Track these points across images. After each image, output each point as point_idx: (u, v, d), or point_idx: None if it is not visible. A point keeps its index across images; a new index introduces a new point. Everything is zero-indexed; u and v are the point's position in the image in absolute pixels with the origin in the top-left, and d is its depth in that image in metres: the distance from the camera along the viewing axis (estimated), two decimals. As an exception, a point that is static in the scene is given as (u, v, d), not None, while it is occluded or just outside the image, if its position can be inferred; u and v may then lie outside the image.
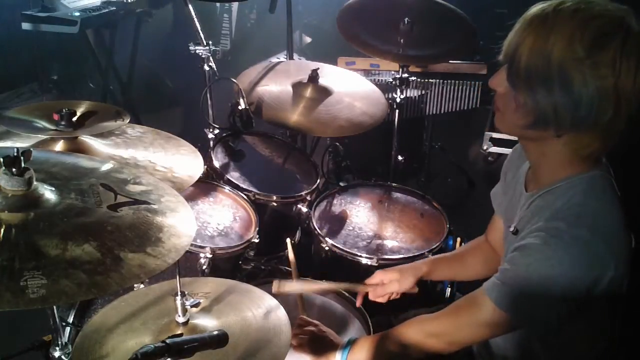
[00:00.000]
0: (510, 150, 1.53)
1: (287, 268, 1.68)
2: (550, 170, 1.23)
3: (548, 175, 1.24)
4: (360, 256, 1.89)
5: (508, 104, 1.20)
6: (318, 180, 2.25)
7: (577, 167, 1.20)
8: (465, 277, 1.72)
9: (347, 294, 1.70)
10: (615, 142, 1.17)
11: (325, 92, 2.32)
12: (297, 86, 2.33)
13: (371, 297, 1.66)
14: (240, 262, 1.97)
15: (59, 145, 1.56)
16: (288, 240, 1.70)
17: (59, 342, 1.35)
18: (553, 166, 1.23)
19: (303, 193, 2.14)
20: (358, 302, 1.66)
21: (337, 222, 2.11)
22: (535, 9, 1.14)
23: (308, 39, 4.61)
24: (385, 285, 1.64)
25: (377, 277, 1.65)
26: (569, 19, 1.09)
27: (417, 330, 1.36)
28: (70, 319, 1.72)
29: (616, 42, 1.07)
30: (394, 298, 1.67)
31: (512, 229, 1.32)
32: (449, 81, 3.21)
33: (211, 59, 2.29)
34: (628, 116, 1.11)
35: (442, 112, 3.28)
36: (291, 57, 3.17)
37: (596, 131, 1.14)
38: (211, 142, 2.30)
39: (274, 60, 3.32)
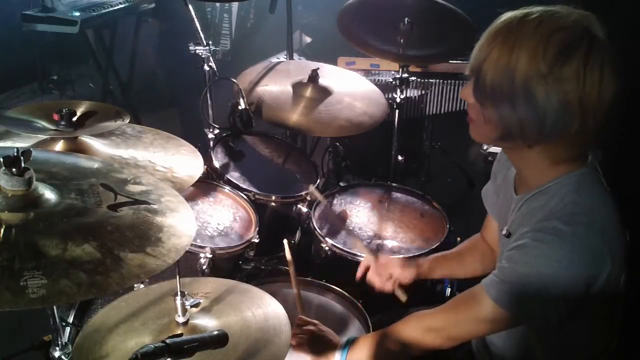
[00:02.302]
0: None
1: (286, 268, 1.69)
2: (536, 174, 1.24)
3: (535, 179, 1.25)
4: (360, 256, 1.89)
5: (477, 117, 1.22)
6: (318, 180, 2.25)
7: (561, 168, 1.21)
8: (463, 275, 1.74)
9: (347, 294, 1.70)
10: (589, 149, 1.19)
11: (325, 92, 2.31)
12: (297, 86, 2.33)
13: (370, 273, 1.70)
14: (240, 262, 1.98)
15: (59, 145, 1.56)
16: (285, 241, 1.71)
17: (59, 342, 1.35)
18: (537, 171, 1.24)
19: (303, 193, 2.14)
20: (358, 274, 1.72)
21: (337, 222, 2.11)
22: (500, 21, 1.15)
23: (308, 39, 4.60)
24: (388, 266, 1.68)
25: (383, 258, 1.72)
26: (532, 33, 1.10)
27: (415, 326, 1.37)
28: (70, 319, 1.72)
29: (579, 55, 1.07)
30: (387, 290, 1.69)
31: (504, 232, 1.33)
32: (449, 81, 3.20)
33: (211, 59, 2.28)
34: (596, 126, 1.12)
35: (442, 112, 3.28)
36: (291, 57, 3.16)
37: (566, 141, 1.15)
38: (211, 142, 2.30)
39: (274, 60, 3.32)
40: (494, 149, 3.90)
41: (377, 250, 1.99)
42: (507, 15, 1.15)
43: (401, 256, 1.92)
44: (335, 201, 2.21)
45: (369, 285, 1.72)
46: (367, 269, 1.72)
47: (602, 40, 1.10)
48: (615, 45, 1.11)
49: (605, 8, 1.15)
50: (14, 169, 1.03)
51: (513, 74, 1.10)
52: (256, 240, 1.93)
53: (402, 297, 1.70)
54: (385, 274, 1.69)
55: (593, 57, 1.08)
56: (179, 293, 1.14)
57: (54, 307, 1.29)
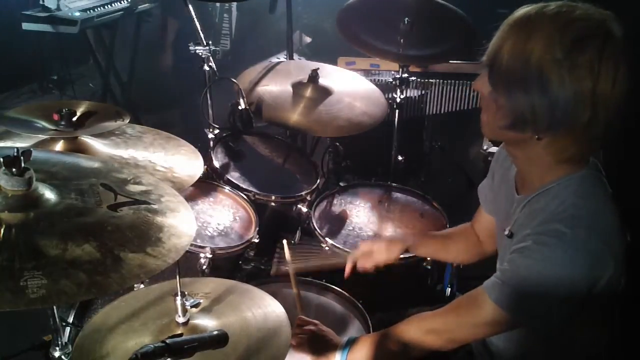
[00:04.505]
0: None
1: (287, 268, 1.69)
2: (538, 173, 1.24)
3: (537, 179, 1.25)
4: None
5: (490, 105, 1.21)
6: (318, 180, 2.25)
7: (564, 169, 1.21)
8: (446, 258, 1.79)
9: (347, 294, 1.70)
10: (596, 147, 1.18)
11: (325, 92, 2.31)
12: (297, 86, 2.32)
13: (359, 266, 1.70)
14: (240, 262, 1.97)
15: (59, 145, 1.56)
16: (284, 241, 1.71)
17: (59, 342, 1.35)
18: (540, 170, 1.23)
19: (303, 193, 2.14)
20: (346, 274, 1.70)
21: (337, 222, 2.11)
22: (519, 12, 1.16)
23: (308, 39, 4.59)
24: (373, 255, 1.68)
25: (364, 246, 1.71)
26: (549, 22, 1.10)
27: (416, 328, 1.36)
28: (70, 319, 1.72)
29: (595, 46, 1.08)
30: (378, 269, 1.70)
31: (506, 232, 1.33)
32: (449, 81, 3.20)
33: (211, 59, 2.28)
34: (606, 122, 1.11)
35: (442, 112, 3.28)
36: (291, 57, 3.16)
37: (574, 134, 1.14)
38: (211, 142, 2.29)
39: (274, 60, 3.32)
40: (494, 149, 3.90)
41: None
42: (525, 7, 1.16)
43: (400, 256, 1.92)
44: (335, 201, 2.21)
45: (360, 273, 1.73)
46: (354, 266, 1.71)
47: (618, 37, 1.10)
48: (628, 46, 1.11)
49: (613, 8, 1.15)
50: (14, 169, 1.03)
51: (528, 59, 1.10)
52: (256, 240, 1.93)
53: (395, 261, 1.70)
54: (373, 263, 1.69)
55: (608, 50, 1.08)
56: (179, 293, 1.14)
57: (54, 307, 1.29)
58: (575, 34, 1.08)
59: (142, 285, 1.52)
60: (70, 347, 1.37)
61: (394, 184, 2.35)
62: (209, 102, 2.34)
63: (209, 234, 1.92)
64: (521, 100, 1.13)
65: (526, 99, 1.13)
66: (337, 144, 2.60)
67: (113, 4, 3.63)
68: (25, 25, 3.37)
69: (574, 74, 1.08)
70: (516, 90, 1.13)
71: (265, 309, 1.26)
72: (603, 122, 1.11)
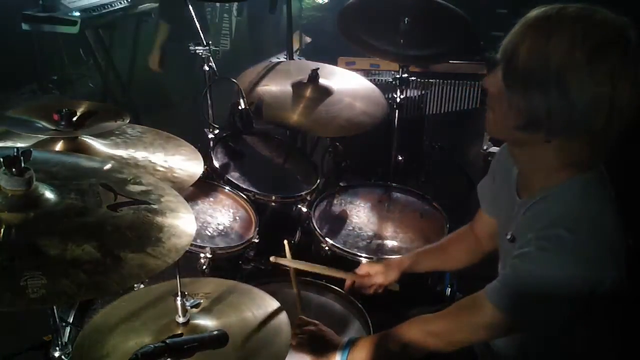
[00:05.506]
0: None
1: (287, 268, 1.69)
2: (542, 176, 1.23)
3: (540, 181, 1.23)
4: (360, 256, 1.89)
5: (500, 104, 1.19)
6: (318, 180, 2.24)
7: (568, 172, 1.20)
8: (449, 267, 1.78)
9: (347, 294, 1.70)
10: (604, 153, 1.18)
11: (325, 92, 2.31)
12: (297, 86, 2.32)
13: (357, 285, 1.73)
14: (240, 262, 1.97)
15: (59, 145, 1.56)
16: (285, 242, 1.71)
17: (59, 342, 1.35)
18: (544, 172, 1.22)
19: (303, 193, 2.14)
20: (345, 289, 1.73)
21: (337, 222, 2.11)
22: (537, 10, 1.14)
23: (308, 39, 4.59)
24: (372, 277, 1.71)
25: (364, 268, 1.74)
26: (571, 24, 1.09)
27: (418, 330, 1.37)
28: (70, 319, 1.72)
29: (616, 52, 1.07)
30: (375, 292, 1.73)
31: (508, 236, 1.32)
32: (449, 81, 3.21)
33: (211, 59, 2.28)
34: (620, 128, 1.11)
35: (442, 112, 3.28)
36: (291, 57, 3.16)
37: (586, 139, 1.13)
38: (211, 142, 2.29)
39: (274, 60, 3.32)
40: (494, 149, 3.89)
41: (377, 250, 1.99)
42: (543, 7, 1.14)
43: (400, 256, 1.92)
44: (335, 201, 2.21)
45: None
46: (352, 285, 1.74)
47: (636, 44, 1.09)
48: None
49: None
50: (14, 169, 1.03)
51: (548, 59, 1.08)
52: (256, 240, 1.93)
53: (395, 288, 1.74)
54: (371, 285, 1.73)
55: (628, 58, 1.07)
56: (179, 293, 1.14)
57: (54, 307, 1.29)
58: (597, 39, 1.07)
59: (142, 285, 1.52)
60: (70, 347, 1.37)
61: (394, 184, 2.35)
62: (209, 102, 2.34)
63: (209, 234, 1.92)
64: (537, 101, 1.11)
65: (543, 100, 1.10)
66: (337, 144, 2.61)
67: (113, 4, 3.63)
68: (25, 25, 3.37)
69: (594, 79, 1.07)
70: (533, 90, 1.11)
71: (265, 309, 1.26)
72: (617, 128, 1.10)
